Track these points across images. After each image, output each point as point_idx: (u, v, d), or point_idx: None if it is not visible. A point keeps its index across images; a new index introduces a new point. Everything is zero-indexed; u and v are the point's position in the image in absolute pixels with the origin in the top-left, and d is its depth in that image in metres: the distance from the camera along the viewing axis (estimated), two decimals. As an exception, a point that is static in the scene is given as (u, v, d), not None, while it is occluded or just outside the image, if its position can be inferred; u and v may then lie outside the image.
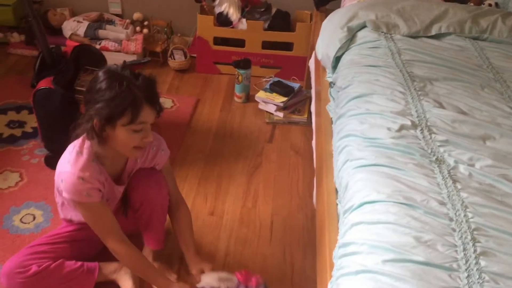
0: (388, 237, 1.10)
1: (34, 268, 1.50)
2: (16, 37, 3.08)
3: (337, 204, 1.47)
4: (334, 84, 1.99)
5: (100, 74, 1.38)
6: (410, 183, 1.24)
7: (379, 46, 1.90)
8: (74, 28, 2.96)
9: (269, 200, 2.17)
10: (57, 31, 2.98)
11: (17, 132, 2.38)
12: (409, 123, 1.45)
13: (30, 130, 2.39)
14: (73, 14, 3.19)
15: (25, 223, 1.90)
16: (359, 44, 1.95)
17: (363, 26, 2.03)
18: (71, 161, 1.43)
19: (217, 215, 2.07)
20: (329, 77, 2.08)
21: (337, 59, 2.00)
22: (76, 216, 1.61)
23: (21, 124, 2.44)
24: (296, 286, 1.78)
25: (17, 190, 2.05)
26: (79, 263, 1.60)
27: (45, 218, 1.92)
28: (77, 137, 1.47)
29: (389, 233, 1.11)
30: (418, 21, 2.02)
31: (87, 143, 1.44)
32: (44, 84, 2.01)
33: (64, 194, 1.45)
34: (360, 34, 2.00)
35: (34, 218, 1.93)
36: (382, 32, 1.99)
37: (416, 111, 1.52)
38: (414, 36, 1.99)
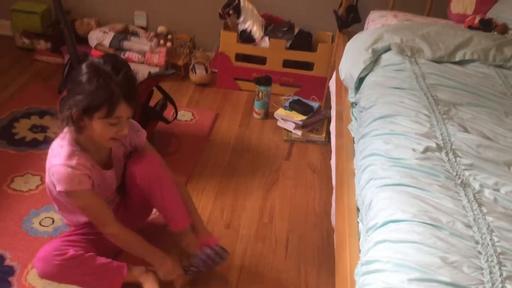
0: (413, 256, 1.10)
1: (71, 252, 1.55)
2: (42, 44, 3.15)
3: (358, 223, 1.48)
4: (356, 104, 2.01)
5: (83, 66, 1.46)
6: (436, 204, 1.24)
7: (404, 69, 1.92)
8: (100, 38, 3.02)
9: (285, 217, 2.17)
10: (83, 41, 3.04)
11: (40, 136, 2.42)
12: (434, 145, 1.46)
13: (52, 135, 2.40)
14: (100, 24, 3.26)
15: (44, 226, 1.92)
16: (383, 66, 1.97)
17: (387, 49, 2.05)
18: (56, 154, 1.51)
19: (233, 228, 2.07)
20: (351, 97, 2.10)
21: (360, 80, 2.02)
22: (78, 216, 1.65)
23: (44, 129, 2.47)
24: (311, 304, 1.77)
25: (38, 193, 2.08)
26: (109, 259, 1.62)
27: (64, 222, 1.94)
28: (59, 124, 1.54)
29: (414, 252, 1.11)
30: (443, 46, 2.04)
31: (68, 135, 1.53)
32: (71, 90, 2.05)
33: (58, 187, 1.50)
34: (385, 56, 2.03)
35: (53, 221, 1.94)
36: (407, 55, 2.01)
37: (441, 134, 1.52)
38: (438, 61, 2.01)
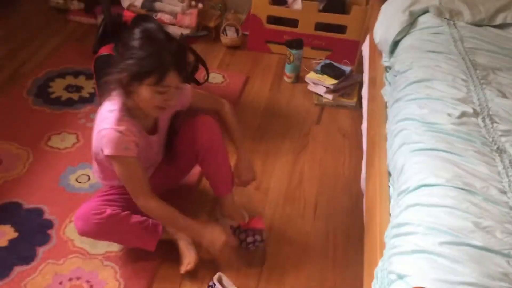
0: (446, 220, 1.10)
1: (108, 211, 1.58)
2: (75, 4, 3.17)
3: (389, 187, 1.48)
4: (390, 68, 1.97)
5: (136, 31, 1.43)
6: (470, 170, 1.23)
7: (441, 32, 1.86)
8: (132, -1, 3.02)
9: (314, 181, 2.18)
10: (115, 1, 3.03)
11: (75, 96, 2.47)
12: (470, 110, 1.43)
13: (87, 95, 2.47)
14: (131, -15, 3.24)
15: (80, 182, 1.99)
16: (420, 29, 1.92)
17: (425, 11, 1.99)
18: (106, 118, 1.51)
19: (262, 191, 2.10)
20: (385, 61, 2.06)
21: (395, 44, 1.98)
22: (116, 181, 1.66)
23: (78, 88, 2.52)
24: (338, 265, 1.80)
25: (74, 151, 2.14)
26: (144, 217, 1.66)
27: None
28: (106, 87, 1.53)
29: (447, 217, 1.11)
30: (483, 9, 1.97)
31: (117, 100, 1.52)
32: (106, 50, 2.07)
33: (105, 151, 1.50)
34: (422, 19, 1.97)
35: (89, 178, 2.01)
36: (445, 18, 1.95)
37: (478, 99, 1.49)
38: (477, 24, 1.94)
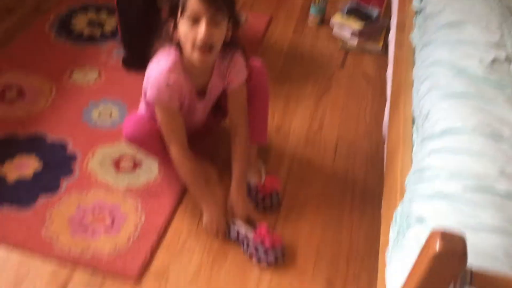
0: (470, 166, 1.09)
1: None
2: None
3: (412, 133, 1.46)
4: (420, 12, 1.90)
5: None
6: (499, 117, 1.20)
7: (478, -26, 1.77)
8: None
9: (335, 124, 2.17)
10: None
11: (97, 31, 2.44)
12: (503, 56, 1.39)
13: (109, 31, 2.45)
14: None
15: (103, 118, 2.00)
16: (455, -30, 1.83)
17: (462, -48, 1.89)
18: (161, 60, 1.50)
19: (283, 132, 2.10)
20: (416, 4, 1.98)
21: (428, -15, 1.89)
22: None
23: (100, 24, 2.49)
24: (356, 207, 1.81)
25: (96, 86, 2.15)
26: None
27: (121, 116, 2.01)
28: (160, 39, 1.52)
29: (471, 163, 1.09)
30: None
31: (173, 50, 1.50)
32: (128, -16, 2.03)
33: (148, 92, 1.51)
34: (458, -40, 1.87)
35: (111, 114, 2.02)
36: (483, -41, 1.85)
37: (512, 45, 1.44)
38: (517, -33, 1.84)
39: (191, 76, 1.54)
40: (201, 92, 1.62)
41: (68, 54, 2.30)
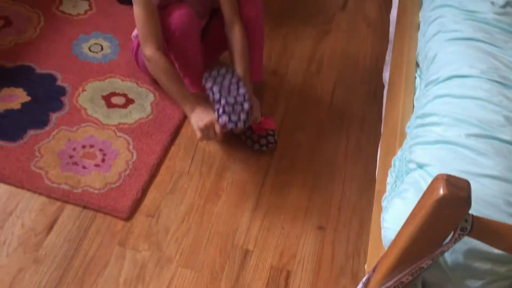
0: (475, 112, 1.05)
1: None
2: None
3: (415, 78, 1.42)
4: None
5: None
6: (508, 62, 1.16)
7: None
8: None
9: (334, 68, 2.11)
10: None
11: (87, -41, 2.31)
12: (516, -1, 1.32)
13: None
14: None
15: (94, 52, 1.92)
16: None
17: None
18: None
19: (280, 75, 2.04)
20: None
21: None
22: None
23: None
24: (350, 153, 1.79)
25: (86, 18, 2.05)
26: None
27: (113, 51, 1.93)
28: None
29: (477, 109, 1.06)
30: None
31: None
32: None
33: None
34: None
35: (102, 48, 1.94)
36: None
37: (527, -10, 1.37)
38: None
39: None
40: None
41: (56, -19, 2.18)
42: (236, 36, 1.63)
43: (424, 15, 1.49)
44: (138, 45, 1.66)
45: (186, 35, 1.55)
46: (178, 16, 1.52)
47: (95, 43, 1.95)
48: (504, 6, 1.30)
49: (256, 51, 1.72)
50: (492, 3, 1.31)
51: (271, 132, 1.72)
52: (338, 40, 2.25)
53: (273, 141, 1.72)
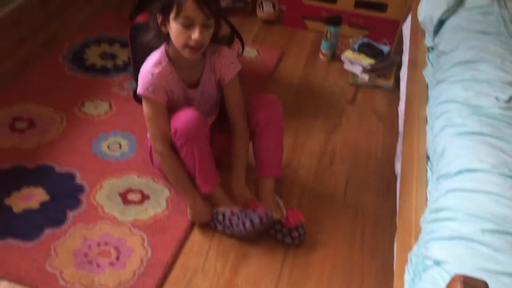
0: (489, 207, 1.05)
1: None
2: (113, -28, 3.15)
3: (427, 170, 1.43)
4: (433, 49, 1.90)
5: None
6: (519, 156, 1.17)
7: (491, 12, 1.78)
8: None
9: (346, 161, 2.14)
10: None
11: (109, 64, 2.46)
12: (520, 95, 1.36)
13: (121, 64, 2.47)
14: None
15: (112, 150, 1.99)
16: (468, 8, 1.84)
17: (474, -10, 1.90)
18: (148, 59, 1.64)
19: (292, 168, 2.07)
20: (428, 41, 1.99)
21: (440, 23, 1.90)
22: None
23: (113, 56, 2.52)
24: (367, 246, 1.76)
25: (106, 118, 2.14)
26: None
27: (130, 148, 2.00)
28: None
29: (490, 204, 1.06)
30: (538, -11, 1.86)
31: (162, 47, 1.64)
32: (142, 18, 2.05)
33: (138, 89, 1.63)
34: (470, -2, 1.88)
35: (120, 146, 2.01)
36: (495, -2, 1.86)
37: (529, 84, 1.42)
38: (530, 6, 1.84)
39: (181, 68, 1.65)
40: (194, 84, 1.70)
41: (80, 85, 2.31)
42: (238, 134, 1.77)
43: (431, 109, 1.54)
44: None
45: (194, 140, 1.62)
46: (184, 122, 1.59)
47: (114, 142, 2.03)
48: (508, 101, 1.34)
49: (275, 146, 1.78)
50: (497, 98, 1.35)
51: (301, 224, 1.73)
52: (349, 133, 2.30)
53: (303, 233, 1.73)
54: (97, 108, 2.19)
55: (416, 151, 1.52)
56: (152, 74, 1.60)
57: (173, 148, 1.65)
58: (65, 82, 2.32)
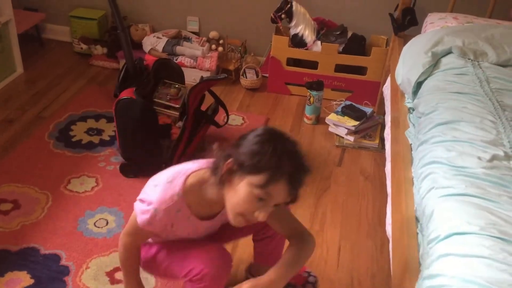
0: (482, 272, 1.03)
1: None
2: (99, 49, 3.23)
3: (417, 233, 1.41)
4: (413, 109, 1.93)
5: (259, 130, 1.25)
6: (505, 217, 1.16)
7: (466, 73, 1.83)
8: (154, 43, 3.07)
9: (337, 225, 2.11)
10: (137, 46, 3.09)
11: (95, 139, 2.47)
12: (501, 153, 1.37)
13: (107, 138, 2.48)
14: (154, 30, 3.31)
15: (99, 227, 1.95)
16: (443, 70, 1.89)
17: (448, 52, 1.96)
18: (158, 185, 1.34)
19: (284, 235, 2.04)
20: (408, 102, 2.03)
21: (418, 85, 1.95)
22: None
23: (99, 131, 2.53)
24: (365, 316, 1.71)
25: (93, 194, 2.12)
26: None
27: (117, 224, 1.97)
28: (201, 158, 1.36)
29: (483, 268, 1.04)
30: (509, 49, 1.93)
31: (183, 175, 1.33)
32: (126, 94, 2.08)
33: (137, 217, 1.36)
34: (445, 60, 1.94)
35: (107, 223, 1.97)
36: (469, 59, 1.92)
37: (509, 141, 1.43)
38: (503, 65, 1.90)
39: (197, 206, 1.36)
40: (209, 217, 1.42)
41: (66, 162, 2.30)
42: (306, 246, 1.45)
43: (416, 171, 1.54)
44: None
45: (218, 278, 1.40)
46: (217, 268, 1.38)
47: (100, 218, 1.99)
48: (491, 160, 1.35)
49: (276, 250, 1.65)
50: (479, 158, 1.36)
51: (306, 274, 1.71)
52: (338, 195, 2.29)
53: (315, 280, 1.72)
54: (83, 185, 2.17)
55: (405, 213, 1.51)
56: (156, 210, 1.29)
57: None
58: (51, 160, 2.31)
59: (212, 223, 1.43)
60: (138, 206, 1.35)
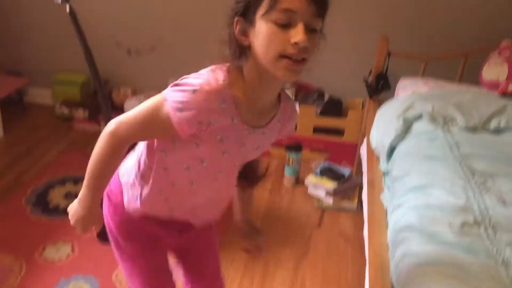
0: None
1: None
2: (80, 112, 3.27)
3: (394, 301, 1.41)
4: (387, 173, 1.97)
5: None
6: (476, 286, 1.17)
7: (436, 138, 1.89)
8: (136, 106, 3.11)
9: (317, 289, 2.09)
10: (119, 109, 3.13)
11: (73, 204, 2.45)
12: (471, 220, 1.40)
13: (85, 203, 2.45)
14: (136, 93, 3.37)
15: (73, 297, 1.91)
16: (415, 134, 1.95)
17: (419, 117, 2.03)
18: (201, 73, 1.06)
19: (263, 301, 2.01)
20: (383, 166, 2.07)
21: (392, 149, 2.00)
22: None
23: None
24: None
25: (68, 262, 2.08)
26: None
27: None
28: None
29: None
30: (477, 114, 2.01)
31: (220, 70, 1.05)
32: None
33: (164, 93, 1.05)
34: (417, 125, 2.00)
35: (82, 292, 1.93)
36: (439, 124, 1.98)
37: (478, 207, 1.47)
38: (472, 130, 1.97)
39: (241, 107, 1.07)
40: (255, 124, 1.12)
41: (42, 228, 2.27)
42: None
43: (391, 237, 1.55)
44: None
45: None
46: None
47: (75, 287, 1.95)
48: (461, 226, 1.37)
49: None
50: (450, 224, 1.38)
51: None
52: (317, 258, 2.28)
53: None
54: (58, 252, 2.13)
55: (381, 280, 1.51)
56: (195, 91, 1.01)
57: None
58: (27, 226, 2.27)
59: (259, 135, 1.13)
60: (168, 89, 1.05)
